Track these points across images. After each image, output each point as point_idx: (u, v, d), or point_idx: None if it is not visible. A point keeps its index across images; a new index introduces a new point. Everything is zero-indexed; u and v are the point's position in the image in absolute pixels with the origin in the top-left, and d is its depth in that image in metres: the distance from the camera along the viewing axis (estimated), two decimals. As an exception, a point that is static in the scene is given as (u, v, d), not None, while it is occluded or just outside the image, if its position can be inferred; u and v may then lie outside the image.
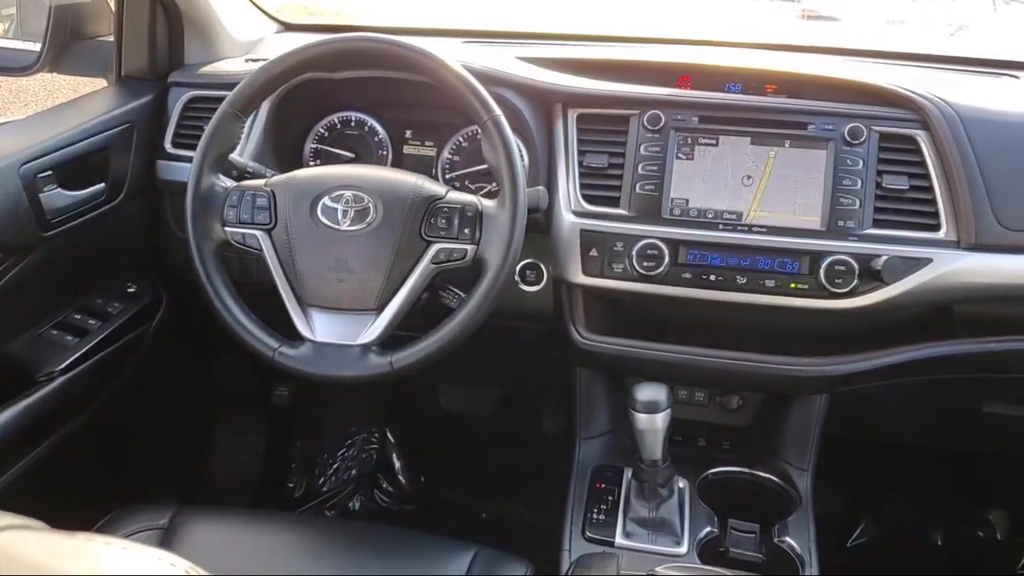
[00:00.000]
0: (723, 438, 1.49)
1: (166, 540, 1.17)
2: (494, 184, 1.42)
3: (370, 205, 1.19)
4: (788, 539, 1.28)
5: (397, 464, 2.27)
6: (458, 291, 1.29)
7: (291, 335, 1.20)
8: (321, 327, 1.19)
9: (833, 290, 1.26)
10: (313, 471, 2.25)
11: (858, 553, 2.04)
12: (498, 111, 1.18)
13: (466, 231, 1.18)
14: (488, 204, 1.20)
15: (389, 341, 1.19)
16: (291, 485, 2.23)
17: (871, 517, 2.06)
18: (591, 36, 1.76)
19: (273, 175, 1.28)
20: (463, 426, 2.26)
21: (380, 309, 1.18)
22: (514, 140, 1.18)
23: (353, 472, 2.26)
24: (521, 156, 1.40)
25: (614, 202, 1.34)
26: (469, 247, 1.18)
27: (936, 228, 1.27)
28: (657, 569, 1.07)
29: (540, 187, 1.29)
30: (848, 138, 1.28)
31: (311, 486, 2.24)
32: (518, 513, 1.99)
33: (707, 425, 1.51)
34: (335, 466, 2.26)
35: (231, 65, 1.63)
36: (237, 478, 2.13)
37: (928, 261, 1.25)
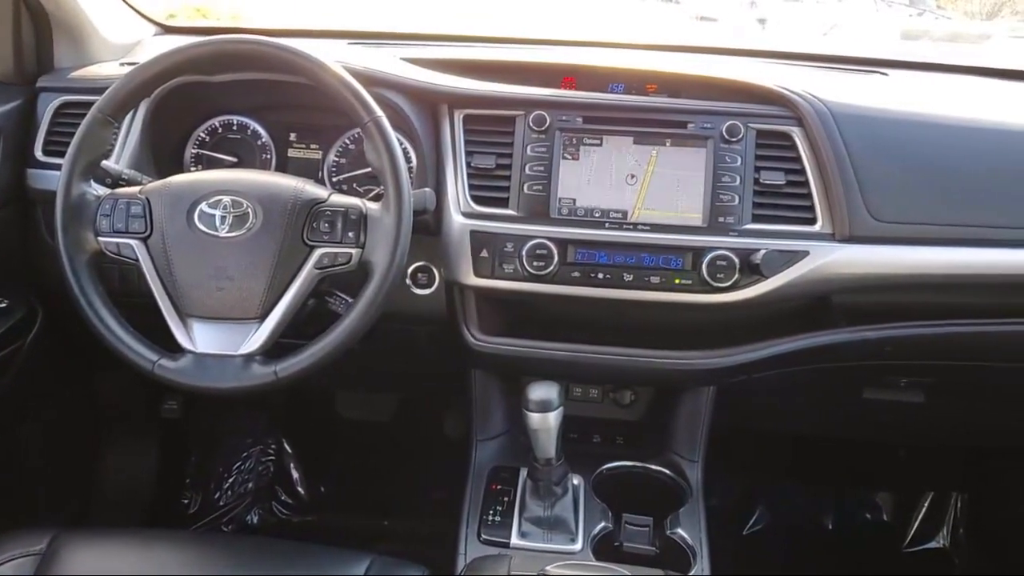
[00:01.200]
0: (617, 433, 1.50)
1: (42, 566, 1.11)
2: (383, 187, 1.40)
3: (249, 210, 1.16)
4: (680, 530, 1.30)
5: (295, 475, 2.23)
6: (345, 296, 1.27)
7: (174, 347, 1.16)
8: (202, 338, 1.15)
9: (715, 284, 1.29)
10: (208, 485, 2.19)
11: (754, 540, 2.10)
12: (379, 112, 1.17)
13: (350, 235, 1.16)
14: (372, 207, 1.18)
15: (274, 350, 1.16)
16: (185, 501, 2.16)
17: (766, 505, 2.13)
18: (477, 37, 1.76)
19: (149, 182, 1.24)
20: (362, 433, 2.23)
21: (263, 317, 1.15)
22: (397, 141, 1.17)
23: (250, 485, 2.20)
24: (410, 157, 1.40)
25: (503, 203, 1.34)
26: (354, 251, 1.16)
27: (812, 222, 1.31)
28: (548, 568, 1.07)
29: (427, 188, 1.28)
30: (726, 136, 1.31)
31: (206, 501, 2.17)
32: (420, 519, 1.97)
33: (601, 421, 1.53)
34: (231, 479, 2.20)
35: (104, 69, 1.57)
36: (128, 496, 2.05)
37: (805, 254, 1.29)
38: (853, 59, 1.73)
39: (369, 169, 1.41)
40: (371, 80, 1.33)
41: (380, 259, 1.15)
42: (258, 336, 1.15)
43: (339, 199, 1.19)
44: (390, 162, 1.15)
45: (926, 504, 2.10)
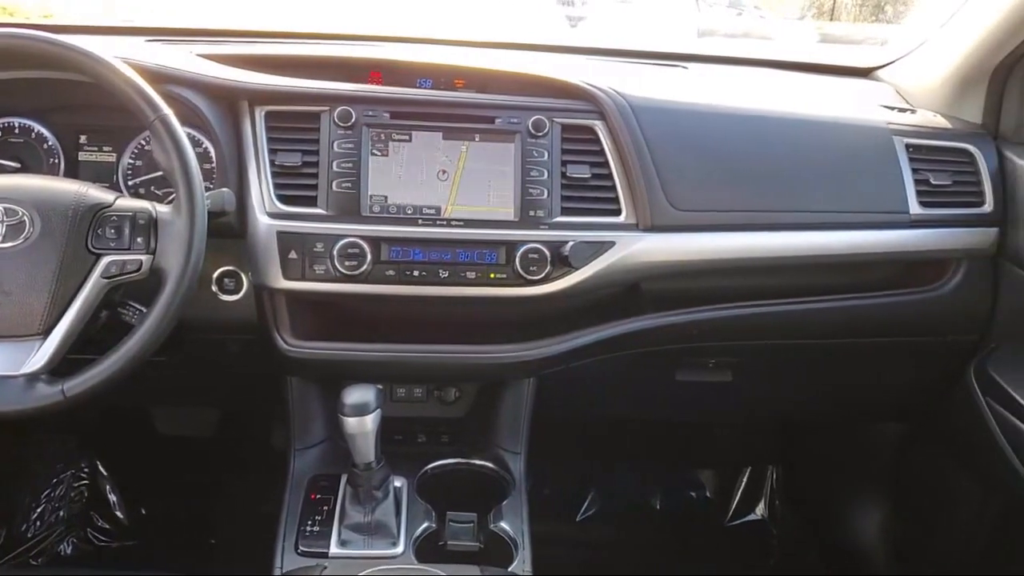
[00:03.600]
0: (443, 432, 1.49)
1: None
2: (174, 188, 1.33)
3: (25, 218, 1.08)
4: (503, 523, 1.31)
5: (112, 498, 2.10)
6: (139, 306, 1.19)
7: None
8: (-22, 358, 1.05)
9: (529, 277, 1.30)
10: (14, 517, 2.03)
11: (587, 525, 2.15)
12: (166, 110, 1.11)
13: (139, 240, 1.10)
14: (163, 210, 1.12)
15: (63, 367, 1.08)
16: (-11, 536, 1.99)
17: (597, 490, 2.18)
18: (280, 33, 1.70)
19: None
20: (184, 450, 2.12)
21: (46, 333, 1.07)
22: (187, 140, 1.12)
23: (61, 513, 2.06)
24: (211, 157, 1.33)
25: (311, 201, 1.30)
26: (144, 257, 1.10)
27: (617, 213, 1.34)
28: (362, 574, 1.04)
29: (224, 189, 1.23)
30: (533, 130, 1.33)
31: (13, 534, 2.01)
32: (248, 535, 1.89)
33: (427, 420, 1.51)
34: (39, 509, 2.05)
35: None
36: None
37: (611, 244, 1.32)
38: (656, 54, 1.79)
39: None
40: (162, 77, 1.27)
41: (173, 265, 1.09)
42: (42, 354, 1.06)
43: (126, 203, 1.12)
44: (179, 162, 1.10)
45: (745, 479, 2.21)
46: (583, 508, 2.17)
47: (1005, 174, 1.46)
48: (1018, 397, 1.40)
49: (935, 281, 1.49)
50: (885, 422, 1.90)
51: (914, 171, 1.43)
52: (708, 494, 2.24)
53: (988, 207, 1.45)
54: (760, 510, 2.20)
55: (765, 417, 1.94)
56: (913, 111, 1.56)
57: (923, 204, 1.42)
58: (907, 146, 1.44)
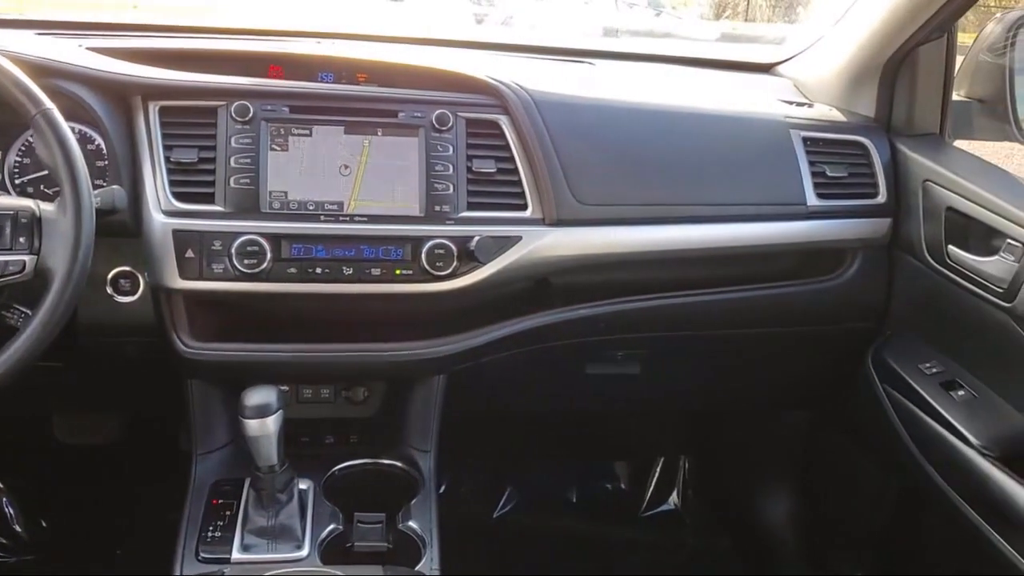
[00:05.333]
0: (351, 432, 1.47)
1: None
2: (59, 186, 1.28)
3: None
4: (411, 523, 1.29)
5: (9, 512, 2.00)
6: (25, 309, 1.14)
7: None
8: None
9: (435, 273, 1.29)
10: (-98, 537, 1.93)
11: (504, 521, 2.15)
12: (49, 104, 1.06)
13: (22, 240, 1.05)
14: (48, 208, 1.07)
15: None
16: None
17: (514, 486, 2.18)
18: (177, 27, 1.65)
19: None
20: (86, 458, 2.04)
21: (-77, 339, 1.01)
22: (71, 136, 1.07)
23: (-47, 530, 1.96)
24: (103, 154, 1.28)
25: (208, 198, 1.26)
26: (27, 258, 1.05)
27: (523, 207, 1.34)
28: (262, 576, 1.02)
29: (115, 186, 1.19)
30: (436, 125, 1.32)
31: (-99, 554, 1.91)
32: (153, 544, 1.83)
33: (335, 421, 1.48)
34: (-72, 526, 1.95)
35: None
36: None
37: (518, 239, 1.32)
38: (563, 50, 1.80)
39: None
40: (46, 71, 1.21)
41: (59, 265, 1.04)
42: (-81, 361, 1.01)
43: (6, 201, 1.07)
44: (64, 158, 1.05)
45: (658, 469, 2.25)
46: (499, 504, 2.17)
47: (897, 166, 1.51)
48: (912, 383, 1.45)
49: (833, 271, 1.53)
50: (791, 410, 1.95)
51: (811, 163, 1.47)
52: (623, 485, 2.27)
53: (882, 198, 1.50)
54: (673, 500, 2.24)
55: (675, 408, 1.97)
56: (810, 105, 1.60)
57: (820, 196, 1.46)
58: (804, 139, 1.47)
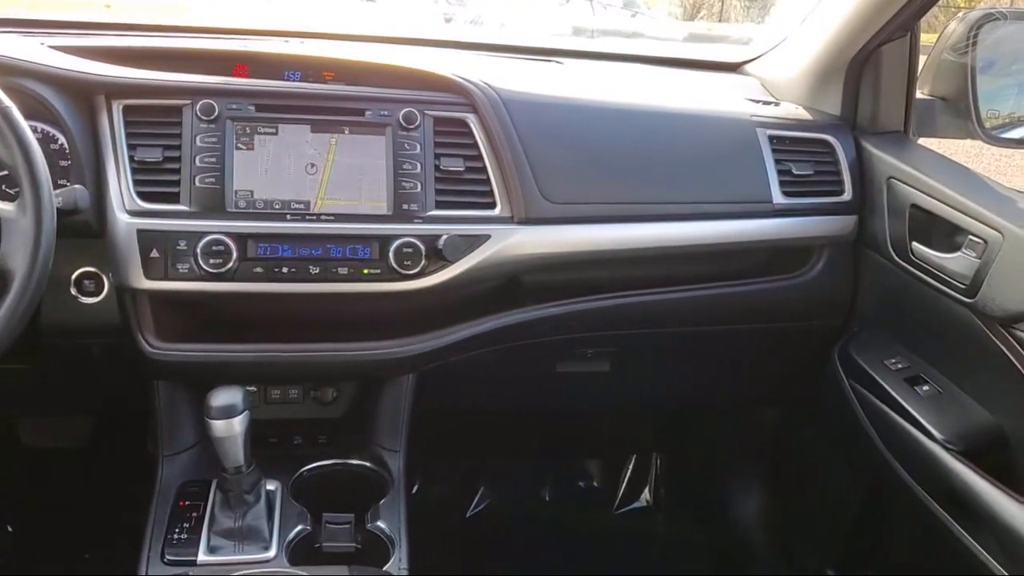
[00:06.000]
0: (320, 432, 1.46)
1: None
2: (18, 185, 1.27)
3: None
4: (380, 523, 1.29)
5: (-26, 517, 1.97)
6: None
7: None
8: None
9: (403, 272, 1.28)
10: None
11: (477, 521, 2.14)
12: (7, 103, 1.06)
13: None
14: (6, 208, 1.05)
15: None
16: None
17: (487, 485, 2.18)
18: (142, 25, 1.64)
19: None
20: (53, 462, 2.01)
21: None
22: (31, 135, 1.06)
23: (-85, 538, 1.93)
24: (67, 153, 1.26)
25: (173, 198, 1.25)
26: None
27: (492, 206, 1.34)
28: (229, 577, 1.01)
29: (77, 186, 1.18)
30: (403, 123, 1.31)
31: None
32: (121, 547, 1.82)
33: (303, 422, 1.47)
34: None
35: None
36: None
37: (487, 237, 1.32)
38: (532, 49, 1.80)
39: None
40: (7, 69, 1.21)
41: (19, 265, 1.03)
42: None
43: None
44: (23, 157, 1.04)
45: (630, 467, 2.25)
46: (473, 503, 2.16)
47: (862, 163, 1.53)
48: (878, 379, 1.47)
49: (799, 268, 1.55)
50: (761, 407, 1.97)
51: (777, 162, 1.48)
52: (595, 483, 2.27)
53: (847, 195, 1.52)
54: (645, 496, 2.25)
55: (645, 405, 1.98)
56: (777, 104, 1.61)
57: (786, 194, 1.47)
58: (770, 138, 1.49)
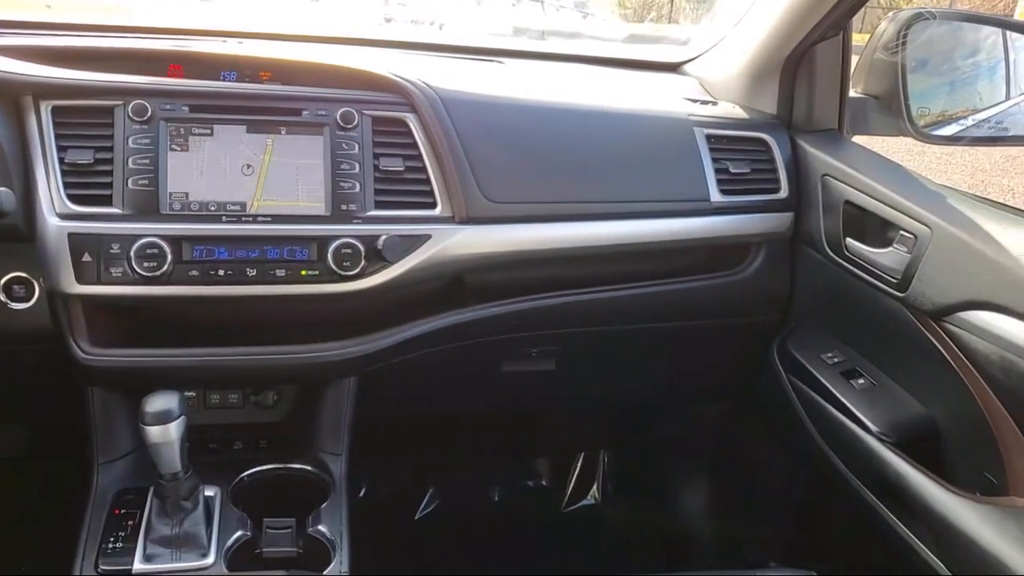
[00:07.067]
0: (261, 437, 1.44)
1: None
2: None
3: None
4: (321, 527, 1.28)
5: (-95, 531, 1.91)
6: None
7: None
8: None
9: (343, 273, 1.28)
10: None
11: (426, 523, 2.14)
12: None
13: None
14: None
15: None
16: None
17: (436, 487, 2.18)
18: (73, 25, 1.60)
19: None
20: None
21: None
22: None
23: None
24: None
25: (106, 201, 1.23)
26: None
27: (433, 206, 1.34)
28: (159, 588, 1.00)
29: (2, 188, 1.15)
30: (341, 123, 1.30)
31: None
32: (59, 559, 1.78)
33: (244, 427, 1.45)
34: None
35: None
36: None
37: (427, 237, 1.32)
38: (473, 49, 1.80)
39: None
40: None
41: None
42: None
43: None
44: None
45: (579, 464, 2.27)
46: (422, 506, 2.16)
47: (798, 161, 1.55)
48: (815, 372, 1.50)
49: (738, 265, 1.57)
50: (705, 402, 1.99)
51: (714, 160, 1.49)
52: (544, 482, 2.28)
53: (784, 193, 1.54)
54: (593, 494, 2.26)
55: (592, 403, 1.99)
56: (714, 103, 1.63)
57: (724, 192, 1.49)
58: (708, 137, 1.50)
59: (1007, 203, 1.39)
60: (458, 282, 1.43)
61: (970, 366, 1.23)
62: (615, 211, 1.43)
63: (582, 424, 2.23)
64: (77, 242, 1.20)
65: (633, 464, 2.24)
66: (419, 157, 1.34)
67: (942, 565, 1.24)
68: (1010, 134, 1.66)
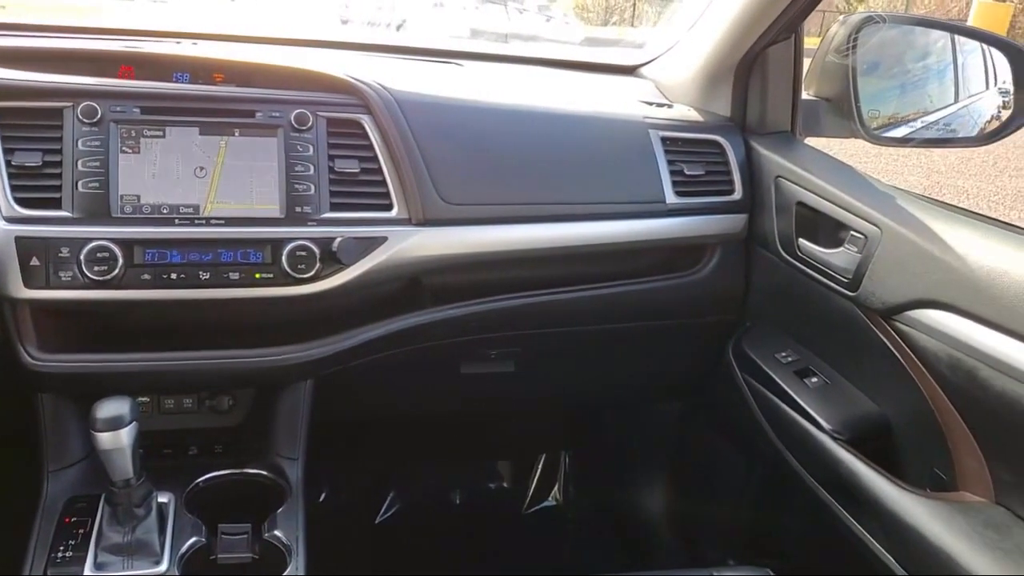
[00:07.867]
0: (216, 442, 1.42)
1: None
2: None
3: None
4: (277, 531, 1.26)
5: None
6: None
7: None
8: None
9: (297, 276, 1.27)
10: None
11: (387, 527, 2.13)
12: None
13: None
14: None
15: None
16: None
17: (397, 491, 2.17)
18: (20, 25, 1.58)
19: None
20: None
21: None
22: None
23: None
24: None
25: (55, 204, 1.21)
26: None
27: (389, 208, 1.34)
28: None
29: None
30: (295, 124, 1.30)
31: None
32: (8, 570, 1.74)
33: (199, 431, 1.43)
34: None
35: None
36: None
37: (384, 240, 1.31)
38: (431, 51, 1.80)
39: None
40: None
41: None
42: None
43: None
44: None
45: (540, 466, 2.27)
46: (383, 510, 2.15)
47: (751, 163, 1.57)
48: (769, 372, 1.52)
49: (693, 266, 1.58)
50: (663, 402, 2.00)
51: (669, 162, 1.51)
52: (505, 484, 2.28)
53: (738, 195, 1.56)
54: (555, 495, 2.27)
55: (551, 403, 2.00)
56: (670, 105, 1.64)
57: (679, 193, 1.50)
58: (663, 139, 1.52)
59: (960, 204, 1.41)
60: (416, 284, 1.43)
61: (919, 364, 1.25)
62: (571, 213, 1.44)
63: (543, 425, 2.24)
64: (25, 246, 1.18)
65: (595, 465, 2.25)
66: (375, 159, 1.34)
67: (893, 560, 1.26)
68: (959, 136, 1.69)
